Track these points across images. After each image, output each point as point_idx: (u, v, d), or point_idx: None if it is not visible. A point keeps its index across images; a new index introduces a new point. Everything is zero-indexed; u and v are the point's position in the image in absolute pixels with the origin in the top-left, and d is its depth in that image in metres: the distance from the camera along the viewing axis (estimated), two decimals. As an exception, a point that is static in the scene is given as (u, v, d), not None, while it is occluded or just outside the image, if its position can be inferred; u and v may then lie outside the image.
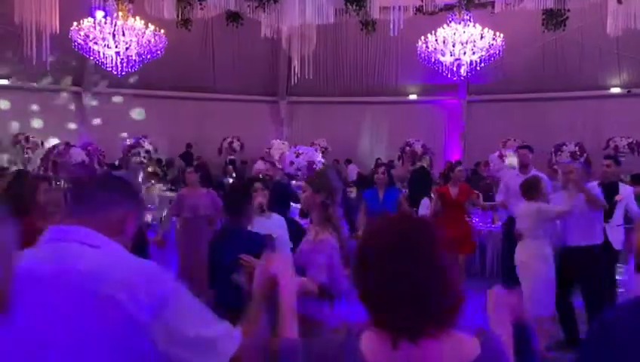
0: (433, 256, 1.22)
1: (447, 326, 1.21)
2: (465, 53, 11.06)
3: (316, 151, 8.48)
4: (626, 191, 5.88)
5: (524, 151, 6.51)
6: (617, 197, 5.71)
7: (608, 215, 5.43)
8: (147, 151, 9.92)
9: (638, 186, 6.63)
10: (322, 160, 8.28)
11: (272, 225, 3.98)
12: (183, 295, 1.27)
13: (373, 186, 6.24)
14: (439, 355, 1.19)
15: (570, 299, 5.15)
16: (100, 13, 10.52)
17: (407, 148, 12.49)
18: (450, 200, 6.45)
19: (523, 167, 6.35)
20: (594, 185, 5.31)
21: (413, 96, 16.16)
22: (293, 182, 7.26)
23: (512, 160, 8.28)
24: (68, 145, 8.45)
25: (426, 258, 1.21)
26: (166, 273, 1.30)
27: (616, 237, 5.55)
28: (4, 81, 13.79)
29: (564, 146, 11.52)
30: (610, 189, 5.58)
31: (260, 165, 13.52)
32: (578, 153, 11.28)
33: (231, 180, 11.24)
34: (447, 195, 6.50)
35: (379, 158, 14.41)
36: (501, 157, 9.52)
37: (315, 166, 7.80)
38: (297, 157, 7.71)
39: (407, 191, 9.60)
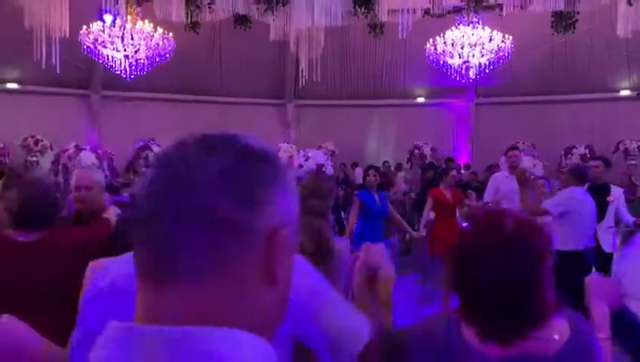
0: (537, 262, 1.23)
1: (538, 329, 1.22)
2: (473, 55, 11.03)
3: (325, 154, 8.46)
4: (616, 192, 5.87)
5: (514, 152, 6.45)
6: (609, 198, 5.70)
7: (599, 217, 5.39)
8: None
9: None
10: (331, 163, 8.26)
11: None
12: (329, 289, 1.32)
13: (364, 188, 6.23)
14: (534, 342, 1.22)
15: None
16: (108, 17, 10.57)
17: (416, 151, 12.45)
18: (446, 203, 6.42)
19: (513, 168, 6.24)
20: (572, 189, 5.19)
21: (420, 99, 16.12)
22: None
23: (525, 162, 8.21)
24: (78, 148, 8.47)
25: (530, 263, 1.22)
26: (312, 267, 1.34)
27: (607, 240, 5.51)
28: (14, 85, 13.87)
29: (574, 149, 11.46)
30: (600, 191, 5.55)
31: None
32: (588, 156, 11.21)
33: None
34: (443, 198, 6.46)
35: (386, 161, 14.38)
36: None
37: (324, 169, 7.78)
38: (306, 160, 7.69)
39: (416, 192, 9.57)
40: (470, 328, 1.26)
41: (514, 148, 6.60)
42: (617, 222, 5.85)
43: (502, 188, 6.11)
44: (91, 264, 1.80)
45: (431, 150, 12.58)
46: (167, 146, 0.68)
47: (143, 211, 0.62)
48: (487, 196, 6.48)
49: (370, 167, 6.49)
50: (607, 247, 5.48)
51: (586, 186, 5.59)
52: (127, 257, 1.23)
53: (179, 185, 0.60)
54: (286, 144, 12.58)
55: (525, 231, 1.23)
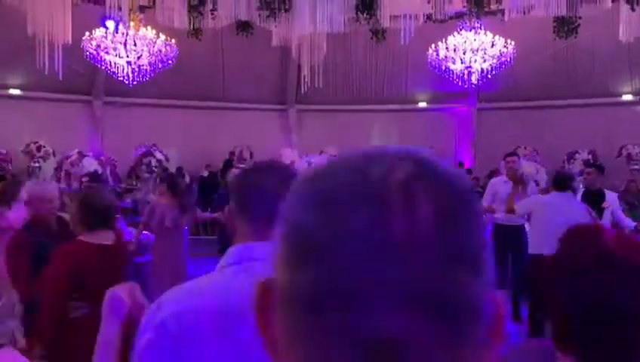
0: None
1: None
2: (475, 60, 11.04)
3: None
4: (610, 198, 5.92)
5: (512, 158, 6.42)
6: (604, 204, 5.74)
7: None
8: (158, 161, 9.94)
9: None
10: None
11: None
12: None
13: None
14: None
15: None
16: (111, 23, 10.59)
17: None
18: None
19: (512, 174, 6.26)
20: (550, 194, 5.29)
21: (422, 104, 16.12)
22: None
23: (527, 168, 8.18)
24: (81, 154, 8.47)
25: (635, 284, 1.07)
26: None
27: None
28: (17, 91, 13.90)
29: (577, 154, 11.44)
30: (595, 197, 5.58)
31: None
32: (591, 160, 11.19)
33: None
34: None
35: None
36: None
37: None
38: (309, 166, 7.68)
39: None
40: (567, 359, 1.12)
41: (512, 154, 6.60)
42: (614, 226, 5.87)
43: (500, 192, 6.14)
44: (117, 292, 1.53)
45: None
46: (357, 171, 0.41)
47: (349, 280, 0.38)
48: (486, 201, 6.49)
49: None
50: None
51: (581, 193, 5.62)
52: (180, 294, 1.19)
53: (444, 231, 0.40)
54: (289, 149, 12.57)
55: (626, 248, 1.10)
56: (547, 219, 4.94)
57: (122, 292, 1.42)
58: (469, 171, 13.53)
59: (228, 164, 14.47)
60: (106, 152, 13.72)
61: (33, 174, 12.54)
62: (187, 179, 12.77)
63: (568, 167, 11.19)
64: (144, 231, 6.26)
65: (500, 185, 6.33)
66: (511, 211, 5.36)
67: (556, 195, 5.19)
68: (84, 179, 7.02)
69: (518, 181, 5.64)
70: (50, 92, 13.48)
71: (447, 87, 13.55)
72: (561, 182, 5.26)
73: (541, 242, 4.95)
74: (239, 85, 15.32)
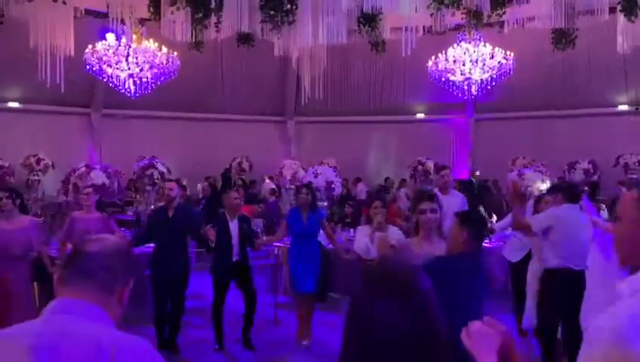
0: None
1: None
2: (475, 72, 11.12)
3: (334, 171, 8.46)
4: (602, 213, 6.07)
5: (445, 171, 6.39)
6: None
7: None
8: (161, 173, 9.89)
9: None
10: (340, 180, 8.26)
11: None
12: None
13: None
14: None
15: None
16: (110, 36, 10.57)
17: (420, 166, 12.49)
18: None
19: (443, 188, 6.17)
20: (569, 207, 5.16)
21: (420, 115, 16.23)
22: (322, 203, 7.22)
23: (532, 179, 8.25)
24: (88, 167, 8.44)
25: None
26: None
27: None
28: (15, 104, 13.84)
29: (577, 164, 11.54)
30: None
31: (268, 184, 13.57)
32: (591, 170, 11.29)
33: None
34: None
35: (388, 177, 14.41)
36: (520, 175, 9.47)
37: (333, 186, 7.79)
38: (316, 177, 7.69)
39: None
40: None
41: (444, 167, 6.55)
42: None
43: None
44: None
45: (434, 166, 12.60)
46: None
47: None
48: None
49: (305, 185, 6.41)
50: None
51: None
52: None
53: None
54: (290, 160, 12.59)
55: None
56: (569, 234, 4.92)
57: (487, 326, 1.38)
58: (470, 183, 13.59)
59: (227, 178, 14.42)
60: (102, 164, 13.63)
61: (32, 187, 12.46)
62: (187, 191, 12.73)
63: (569, 176, 11.28)
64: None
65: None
66: (525, 227, 4.95)
67: (570, 208, 5.10)
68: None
69: (521, 197, 5.37)
70: (48, 105, 13.44)
71: (444, 98, 13.64)
72: (574, 194, 5.26)
73: (566, 256, 4.93)
74: (239, 97, 15.36)
